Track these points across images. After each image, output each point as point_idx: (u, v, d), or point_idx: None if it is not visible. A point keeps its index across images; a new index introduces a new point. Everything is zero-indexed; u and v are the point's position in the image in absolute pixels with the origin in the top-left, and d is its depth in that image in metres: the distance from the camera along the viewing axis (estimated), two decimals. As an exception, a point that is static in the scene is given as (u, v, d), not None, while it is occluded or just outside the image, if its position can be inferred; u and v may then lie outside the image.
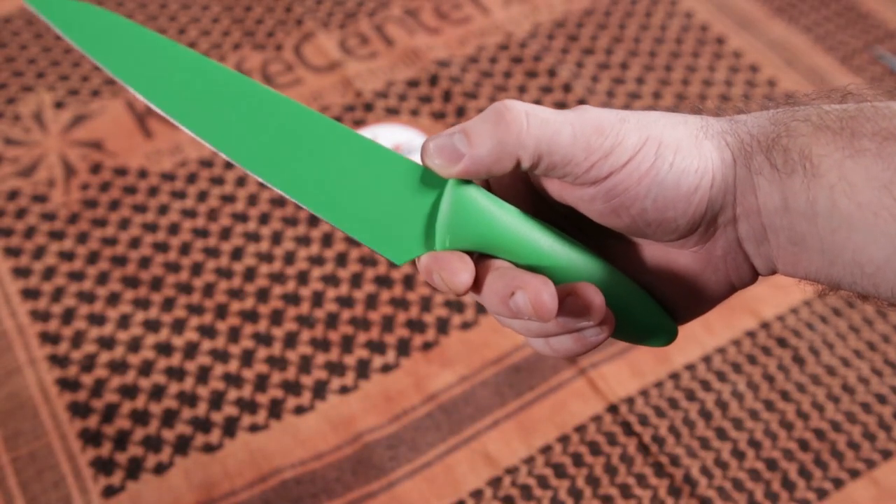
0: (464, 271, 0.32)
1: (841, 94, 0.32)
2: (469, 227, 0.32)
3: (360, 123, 0.84)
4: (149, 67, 0.32)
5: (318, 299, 0.72)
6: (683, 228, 0.32)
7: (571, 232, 0.35)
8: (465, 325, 0.70)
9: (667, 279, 0.35)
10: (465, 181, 0.32)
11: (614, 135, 0.30)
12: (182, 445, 0.64)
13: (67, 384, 0.66)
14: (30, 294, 0.72)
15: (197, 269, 0.73)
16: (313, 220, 0.77)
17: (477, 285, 0.33)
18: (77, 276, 0.73)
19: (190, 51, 0.32)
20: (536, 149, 0.30)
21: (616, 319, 0.33)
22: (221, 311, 0.71)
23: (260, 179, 0.33)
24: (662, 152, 0.31)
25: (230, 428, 0.64)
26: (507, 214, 0.32)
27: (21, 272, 0.73)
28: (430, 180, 0.33)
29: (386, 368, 0.68)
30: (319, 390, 0.66)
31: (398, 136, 0.83)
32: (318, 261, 0.74)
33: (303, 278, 0.73)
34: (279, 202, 0.78)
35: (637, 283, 0.35)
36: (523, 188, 0.35)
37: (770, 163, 0.30)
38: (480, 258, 0.33)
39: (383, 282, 0.72)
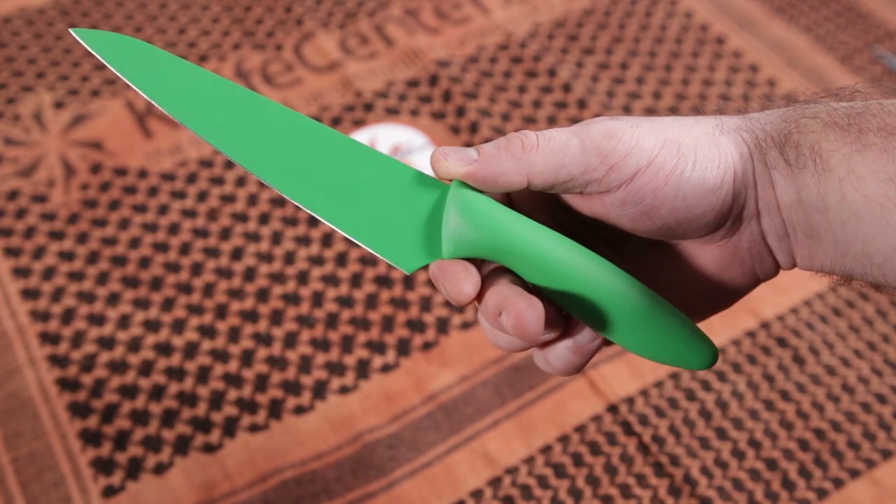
0: (466, 282, 0.32)
1: (849, 92, 0.33)
2: (470, 231, 0.32)
3: (360, 123, 0.84)
4: (178, 89, 0.35)
5: (318, 299, 0.72)
6: (713, 223, 0.33)
7: (591, 247, 0.35)
8: (465, 325, 0.70)
9: (694, 276, 0.35)
10: (468, 187, 0.33)
11: (627, 138, 0.32)
12: (182, 445, 0.64)
13: (67, 384, 0.66)
14: (30, 294, 0.72)
15: (197, 269, 0.73)
16: (313, 221, 0.77)
17: (480, 298, 0.33)
18: (77, 276, 0.73)
19: (219, 77, 0.35)
20: (546, 164, 0.32)
21: (639, 332, 0.33)
22: (221, 311, 0.71)
23: (279, 192, 0.34)
24: (683, 152, 0.32)
25: (230, 428, 0.64)
26: (509, 216, 0.32)
27: (21, 272, 0.73)
28: (436, 188, 0.34)
29: (386, 368, 0.68)
30: (319, 390, 0.66)
31: (398, 136, 0.83)
32: (318, 261, 0.74)
33: (303, 278, 0.73)
34: (279, 202, 0.78)
35: (664, 283, 0.34)
36: (544, 208, 0.36)
37: (784, 158, 0.31)
38: (491, 273, 0.34)
39: (383, 282, 0.73)
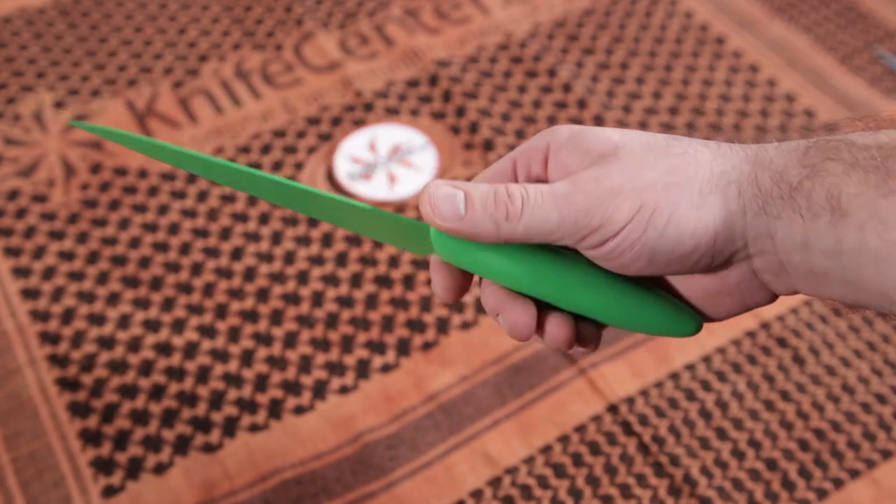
0: (451, 289, 0.36)
1: (875, 122, 0.32)
2: (455, 261, 0.35)
3: (360, 123, 0.84)
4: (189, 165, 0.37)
5: (318, 299, 0.72)
6: (688, 271, 0.33)
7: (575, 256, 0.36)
8: (465, 325, 0.70)
9: (679, 296, 0.36)
10: (447, 236, 0.35)
11: (601, 213, 0.32)
12: (182, 445, 0.64)
13: (67, 384, 0.66)
14: (30, 294, 0.72)
15: (197, 269, 0.73)
16: (313, 221, 0.77)
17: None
18: (77, 276, 0.73)
19: (213, 158, 0.37)
20: (523, 235, 0.33)
21: (627, 319, 0.36)
22: (221, 311, 0.71)
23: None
24: (654, 221, 0.31)
25: (230, 428, 0.64)
26: (493, 261, 0.35)
27: (21, 272, 0.73)
28: (418, 229, 0.36)
29: (386, 368, 0.68)
30: (319, 390, 0.66)
31: (398, 136, 0.83)
32: (318, 261, 0.74)
33: (303, 278, 0.73)
34: (279, 202, 0.78)
35: None
36: None
37: (792, 208, 0.30)
38: None
39: (383, 282, 0.73)
